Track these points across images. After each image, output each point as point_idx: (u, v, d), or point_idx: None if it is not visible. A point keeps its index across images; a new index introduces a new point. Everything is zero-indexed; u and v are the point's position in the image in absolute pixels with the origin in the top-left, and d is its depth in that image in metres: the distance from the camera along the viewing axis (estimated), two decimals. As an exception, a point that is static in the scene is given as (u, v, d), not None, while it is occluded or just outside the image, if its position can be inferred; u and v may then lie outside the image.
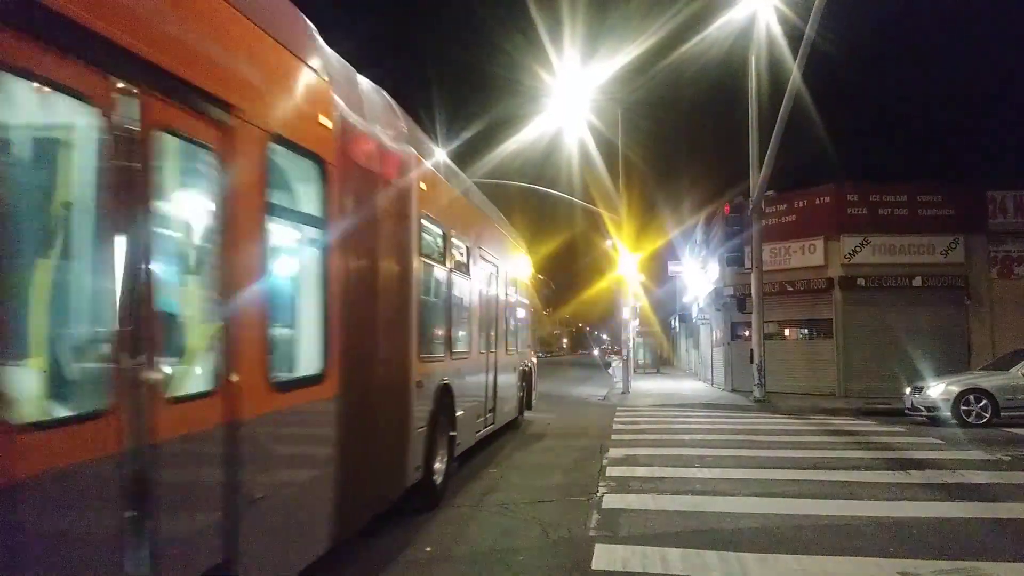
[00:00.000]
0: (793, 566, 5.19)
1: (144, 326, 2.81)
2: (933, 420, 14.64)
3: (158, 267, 2.94)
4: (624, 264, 27.23)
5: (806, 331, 23.90)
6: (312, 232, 4.49)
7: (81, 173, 2.72)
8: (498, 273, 11.16)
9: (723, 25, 18.44)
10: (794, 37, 17.47)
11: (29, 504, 2.27)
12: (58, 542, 2.42)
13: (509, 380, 12.16)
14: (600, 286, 49.89)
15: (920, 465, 9.41)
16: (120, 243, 2.72)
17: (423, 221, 6.88)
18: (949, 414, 14.37)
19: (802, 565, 5.20)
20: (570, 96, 22.24)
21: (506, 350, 11.89)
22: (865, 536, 6.02)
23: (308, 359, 4.44)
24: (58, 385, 2.66)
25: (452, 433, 7.83)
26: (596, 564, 5.19)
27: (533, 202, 27.23)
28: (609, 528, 6.21)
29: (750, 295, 20.40)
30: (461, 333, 8.84)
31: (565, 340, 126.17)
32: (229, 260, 3.44)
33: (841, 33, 18.10)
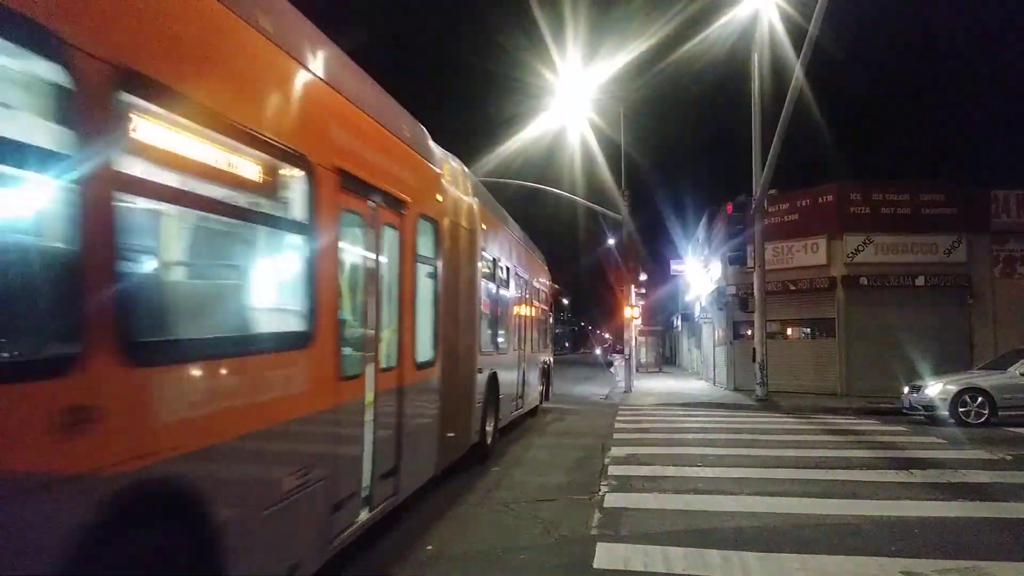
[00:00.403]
0: (795, 565, 5.18)
1: (402, 332, 5.86)
2: (931, 419, 14.63)
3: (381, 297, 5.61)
4: (627, 262, 27.17)
5: (809, 330, 23.88)
6: (430, 268, 6.79)
7: (366, 248, 5.25)
8: (528, 287, 13.70)
9: (726, 24, 18.43)
10: (797, 36, 17.46)
11: (351, 413, 4.82)
12: (349, 432, 4.86)
13: (534, 374, 14.77)
14: (603, 284, 49.77)
15: (922, 464, 9.40)
16: (372, 284, 5.34)
17: (483, 252, 9.28)
18: (947, 413, 14.36)
19: (804, 564, 5.20)
20: (572, 95, 22.24)
21: (532, 349, 14.33)
22: (867, 535, 6.01)
23: (427, 352, 6.68)
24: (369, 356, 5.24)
25: (497, 409, 10.26)
26: (598, 563, 5.19)
27: (534, 197, 27.24)
28: (611, 527, 6.21)
29: (752, 294, 20.38)
30: (503, 335, 11.33)
31: (567, 342, 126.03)
32: (402, 292, 5.91)
33: (844, 31, 18.10)
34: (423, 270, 6.53)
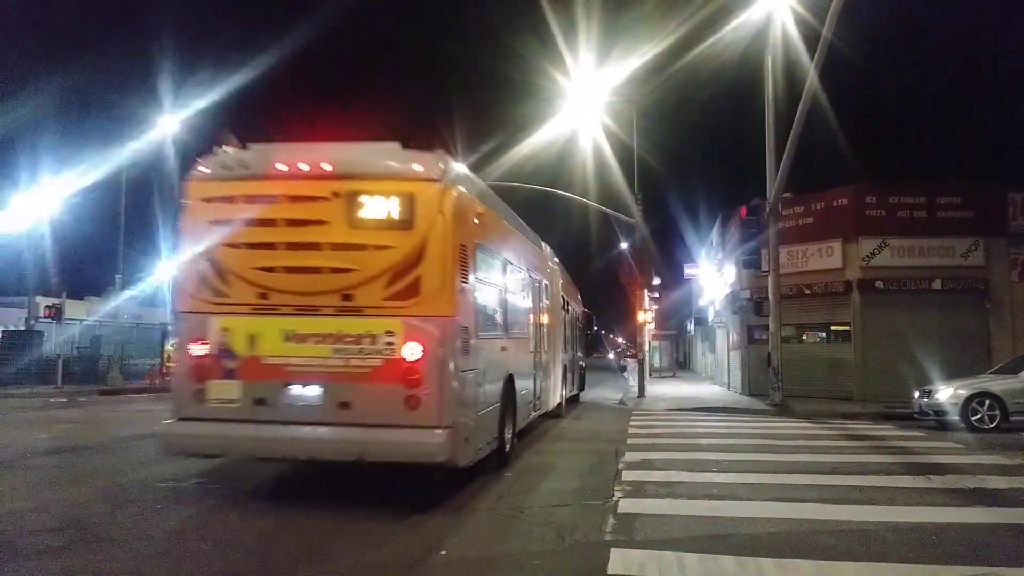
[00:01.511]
0: (811, 572, 5.13)
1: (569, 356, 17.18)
2: (942, 424, 14.51)
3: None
4: (640, 265, 27.07)
5: (824, 334, 23.74)
6: (549, 306, 14.35)
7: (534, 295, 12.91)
8: (574, 312, 19.95)
9: (739, 26, 18.36)
10: (811, 38, 17.37)
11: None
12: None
13: (578, 369, 21.44)
14: (615, 288, 49.61)
15: (940, 470, 9.31)
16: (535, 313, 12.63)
17: (561, 294, 16.33)
18: (958, 418, 14.24)
19: (821, 571, 5.15)
20: (585, 98, 22.22)
21: (577, 352, 20.72)
22: (885, 542, 5.95)
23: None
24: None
25: (572, 379, 19.10)
26: (612, 569, 5.15)
27: (546, 201, 27.34)
28: (625, 532, 6.17)
29: (767, 298, 20.29)
30: (569, 344, 18.47)
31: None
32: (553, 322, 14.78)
33: (860, 32, 17.96)
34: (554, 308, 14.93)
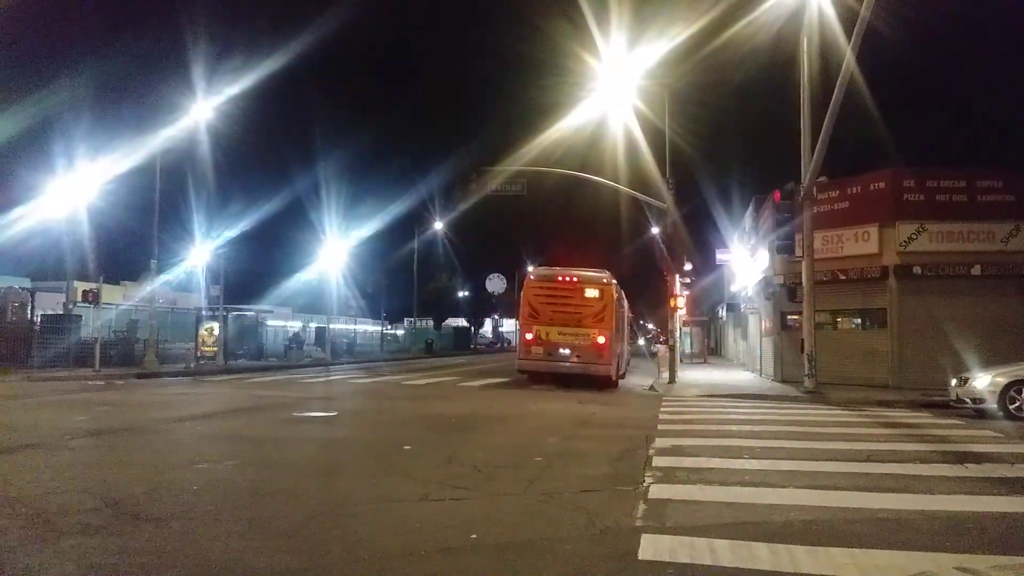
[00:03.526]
0: (845, 560, 5.07)
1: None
2: (979, 412, 14.24)
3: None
4: (672, 250, 26.87)
5: (859, 321, 23.41)
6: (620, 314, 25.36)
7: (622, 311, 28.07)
8: (627, 316, 29.44)
9: (773, 6, 18.05)
10: (847, 18, 17.03)
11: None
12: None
13: (628, 351, 30.66)
14: (646, 273, 49.44)
15: (977, 458, 9.16)
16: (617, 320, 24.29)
17: (624, 306, 27.39)
18: (996, 406, 13.98)
19: (854, 559, 5.09)
20: (616, 81, 22.02)
21: (629, 345, 32.57)
22: (920, 530, 5.87)
23: (620, 343, 25.05)
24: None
25: (627, 362, 29.24)
26: (643, 554, 5.13)
27: (577, 185, 27.45)
28: (656, 518, 6.15)
29: (801, 284, 20.04)
30: (627, 337, 30.97)
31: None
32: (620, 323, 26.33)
33: (899, 9, 17.54)
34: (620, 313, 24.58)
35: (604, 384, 21.12)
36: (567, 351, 20.90)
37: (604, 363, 20.93)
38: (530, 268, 24.42)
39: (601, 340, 20.83)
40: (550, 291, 21.77)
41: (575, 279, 21.76)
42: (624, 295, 26.53)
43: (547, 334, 21.09)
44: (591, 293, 21.44)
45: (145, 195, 29.32)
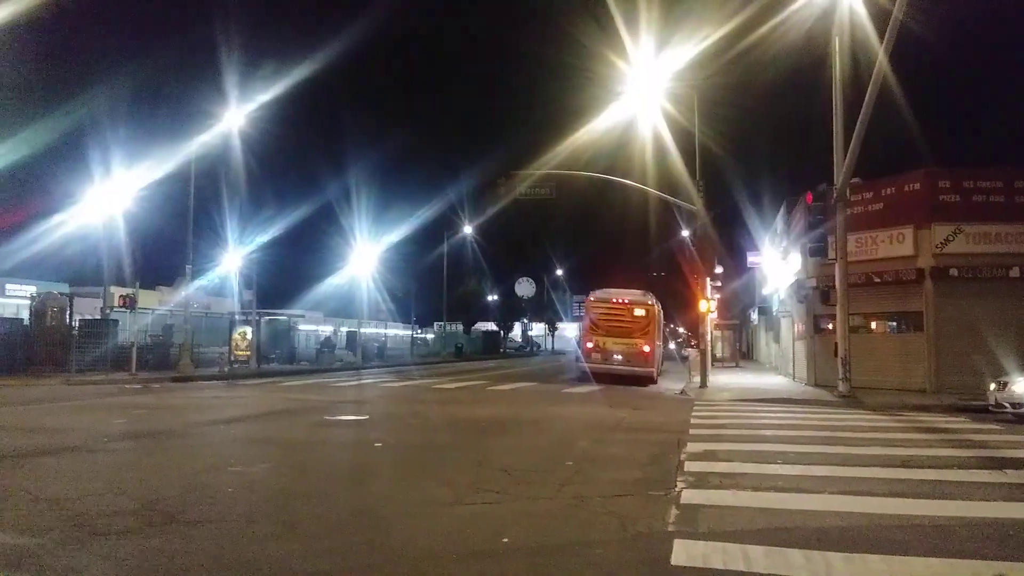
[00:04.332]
0: (882, 567, 5.00)
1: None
2: (1018, 417, 13.95)
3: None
4: (703, 254, 26.68)
5: (894, 324, 23.06)
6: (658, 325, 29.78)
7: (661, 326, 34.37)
8: (663, 325, 34.31)
9: (804, 6, 17.87)
10: (879, 17, 16.81)
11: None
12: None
13: (663, 355, 34.61)
14: (676, 276, 49.16)
15: (1016, 464, 8.99)
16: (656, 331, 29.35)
17: (661, 319, 31.13)
18: None
19: (891, 567, 5.01)
20: (645, 83, 21.94)
21: (664, 348, 38.49)
22: (959, 537, 5.77)
23: (659, 348, 29.83)
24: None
25: (660, 363, 30.79)
26: (675, 559, 5.11)
27: (606, 187, 27.52)
28: (688, 523, 6.12)
29: (834, 286, 19.79)
30: (661, 342, 31.94)
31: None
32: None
33: (931, 11, 17.27)
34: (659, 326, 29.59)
35: (647, 382, 25.89)
36: (619, 357, 26.00)
37: (648, 366, 26.22)
38: (592, 292, 29.14)
39: (646, 349, 26.15)
40: (606, 310, 27.01)
41: (626, 300, 27.15)
42: (662, 309, 30.64)
43: (604, 343, 26.27)
44: (639, 312, 26.61)
45: (180, 201, 29.82)
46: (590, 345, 26.74)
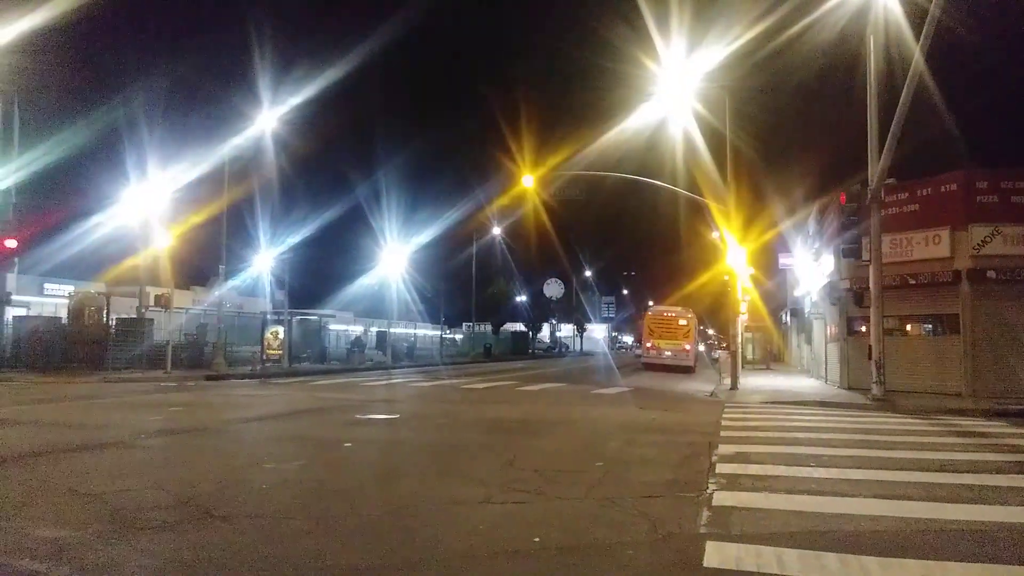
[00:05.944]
0: (919, 572, 4.94)
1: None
2: None
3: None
4: (733, 256, 26.48)
5: (930, 326, 22.66)
6: (696, 331, 44.66)
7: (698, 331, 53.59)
8: (698, 329, 46.50)
9: (837, 5, 17.65)
10: (914, 14, 16.55)
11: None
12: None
13: (699, 353, 48.31)
14: (706, 279, 48.92)
15: (1059, 470, 8.79)
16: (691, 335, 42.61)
17: (697, 326, 45.21)
18: None
19: (929, 571, 4.95)
20: (675, 83, 21.83)
21: (698, 348, 48.48)
22: (997, 543, 5.67)
23: (695, 347, 43.56)
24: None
25: (697, 359, 43.11)
26: (708, 562, 5.08)
27: (635, 188, 27.36)
28: (720, 525, 6.08)
29: (868, 288, 19.51)
30: (698, 343, 47.30)
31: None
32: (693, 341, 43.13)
33: (969, 8, 16.98)
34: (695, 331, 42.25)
35: (687, 371, 36.61)
36: (669, 353, 38.33)
37: (689, 360, 38.21)
38: (649, 308, 44.26)
39: (687, 347, 38.58)
40: (659, 320, 39.93)
41: (673, 314, 40.17)
42: (697, 318, 43.65)
43: (657, 344, 38.87)
44: (682, 322, 39.14)
45: (213, 202, 30.22)
46: (648, 345, 39.72)
